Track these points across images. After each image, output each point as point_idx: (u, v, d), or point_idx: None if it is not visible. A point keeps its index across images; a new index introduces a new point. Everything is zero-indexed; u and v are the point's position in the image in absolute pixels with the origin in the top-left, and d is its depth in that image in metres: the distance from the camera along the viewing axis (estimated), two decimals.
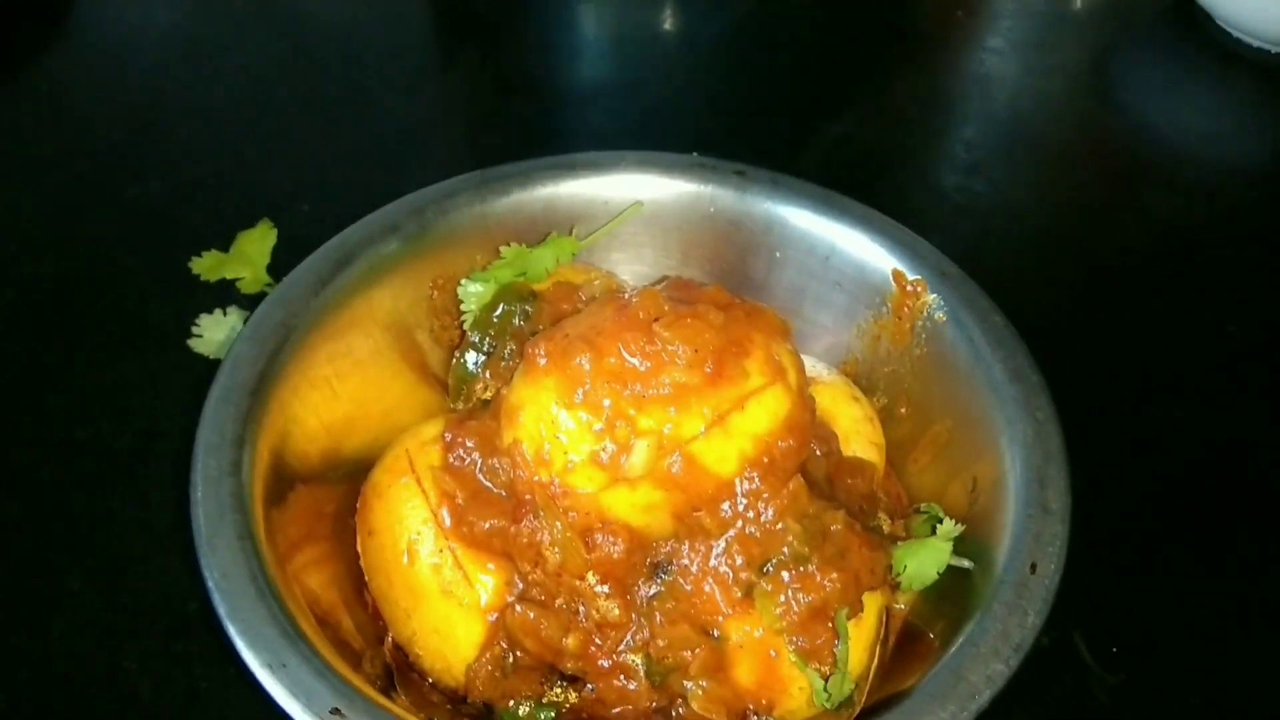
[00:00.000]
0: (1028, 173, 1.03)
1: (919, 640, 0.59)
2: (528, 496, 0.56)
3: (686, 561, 0.56)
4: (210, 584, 0.52)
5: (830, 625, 0.54)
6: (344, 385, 0.68)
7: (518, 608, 0.56)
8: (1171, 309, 0.90)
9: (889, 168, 1.02)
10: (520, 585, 0.57)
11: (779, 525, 0.55)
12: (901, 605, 0.61)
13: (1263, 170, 1.07)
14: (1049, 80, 1.14)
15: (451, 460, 0.60)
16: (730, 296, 0.61)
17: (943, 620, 0.58)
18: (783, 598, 0.55)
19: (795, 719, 0.56)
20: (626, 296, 0.58)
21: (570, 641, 0.55)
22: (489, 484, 0.59)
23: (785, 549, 0.55)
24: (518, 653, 0.57)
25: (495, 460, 0.59)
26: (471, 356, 0.67)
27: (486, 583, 0.58)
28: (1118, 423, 0.81)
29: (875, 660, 0.56)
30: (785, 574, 0.55)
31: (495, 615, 0.57)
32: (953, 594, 0.59)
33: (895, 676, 0.58)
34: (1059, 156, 1.05)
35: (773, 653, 0.55)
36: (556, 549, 0.55)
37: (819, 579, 0.54)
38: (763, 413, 0.55)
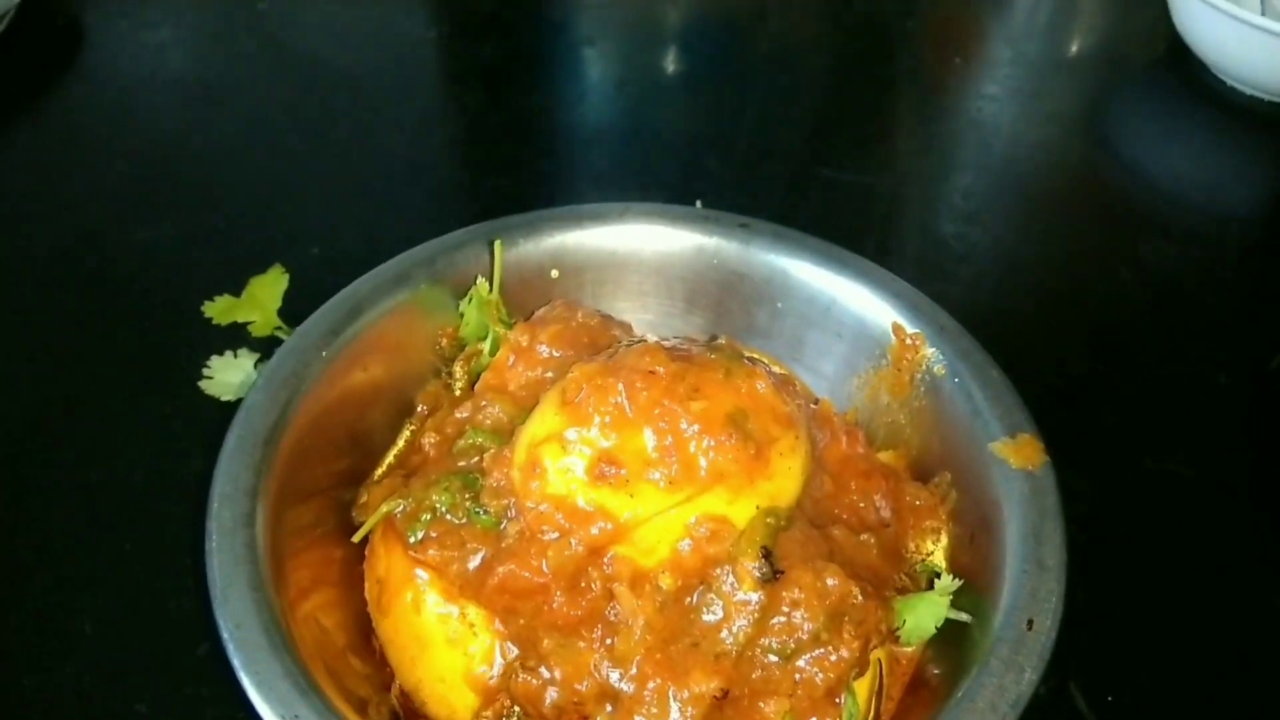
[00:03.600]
0: (1024, 220, 1.05)
1: (929, 685, 0.60)
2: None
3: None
4: (225, 635, 0.53)
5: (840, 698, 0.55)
6: (351, 431, 0.70)
7: (520, 675, 0.57)
8: (1165, 359, 0.92)
9: (888, 215, 1.03)
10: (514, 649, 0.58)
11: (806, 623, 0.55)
12: (909, 650, 0.62)
13: (1256, 218, 1.08)
14: (1045, 128, 1.16)
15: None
16: (739, 355, 0.63)
17: (945, 669, 0.59)
18: (798, 677, 0.55)
19: None
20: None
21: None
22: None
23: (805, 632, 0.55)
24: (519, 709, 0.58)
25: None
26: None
27: (488, 642, 0.59)
28: (1112, 472, 0.82)
29: (872, 709, 0.57)
30: (803, 657, 0.55)
31: (497, 673, 0.58)
32: (953, 643, 0.60)
33: None
34: (1055, 204, 1.07)
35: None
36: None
37: (837, 656, 0.55)
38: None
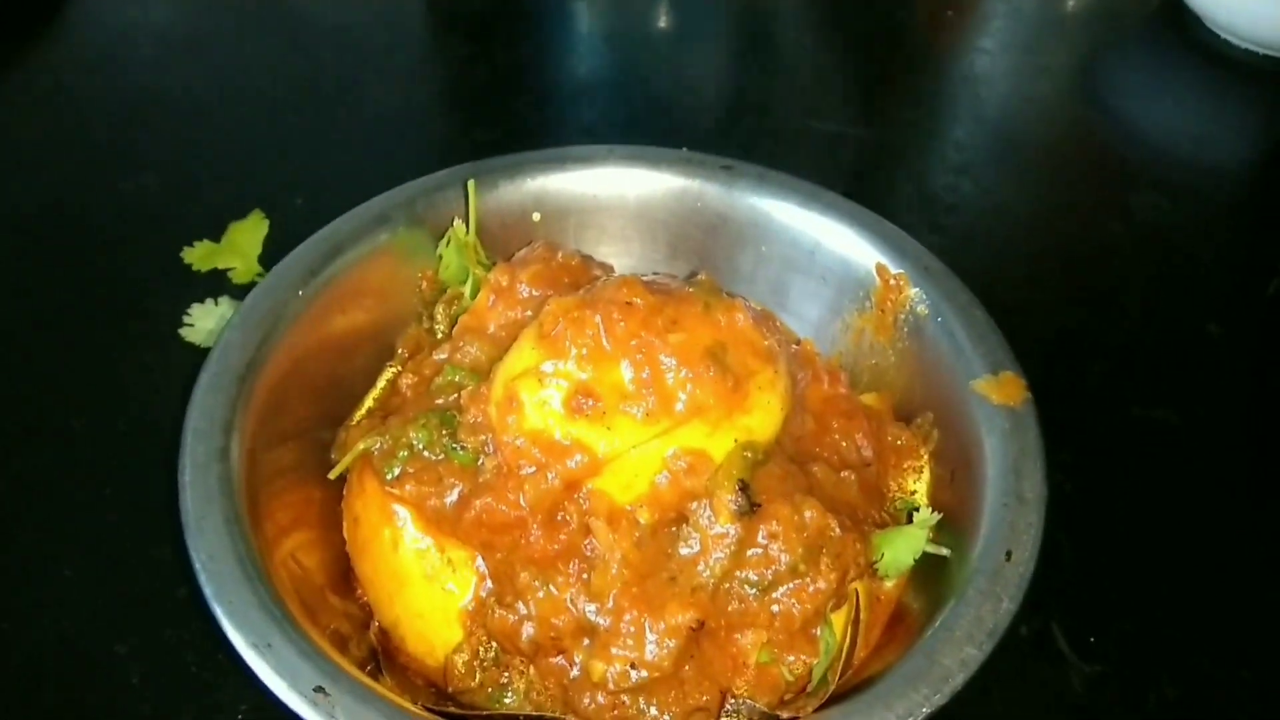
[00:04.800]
0: (1015, 173, 1.04)
1: (908, 620, 0.60)
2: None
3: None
4: (198, 565, 0.53)
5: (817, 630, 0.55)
6: (331, 374, 0.69)
7: (496, 611, 0.57)
8: (1154, 308, 0.91)
9: (878, 167, 1.03)
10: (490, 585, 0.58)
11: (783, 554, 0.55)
12: (889, 585, 0.62)
13: (1248, 171, 1.08)
14: (1037, 81, 1.15)
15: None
16: (718, 289, 0.62)
17: (926, 604, 0.59)
18: (776, 609, 0.55)
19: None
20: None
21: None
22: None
23: (782, 564, 0.55)
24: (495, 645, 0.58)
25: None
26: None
27: (466, 577, 0.59)
28: (1099, 420, 0.82)
29: (849, 640, 0.57)
30: (780, 589, 0.55)
31: (474, 604, 0.58)
32: (934, 579, 0.60)
33: (885, 655, 0.59)
34: (1046, 157, 1.06)
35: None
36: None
37: (814, 587, 0.55)
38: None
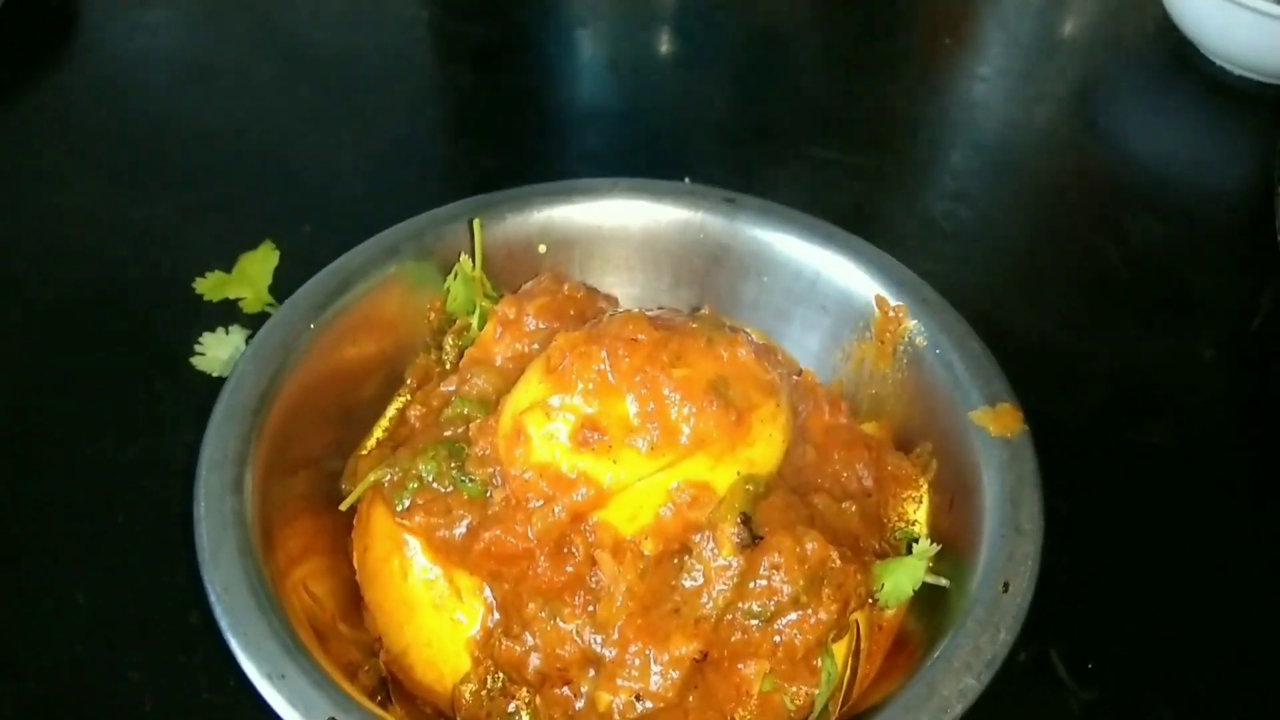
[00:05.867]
0: (1012, 200, 1.06)
1: (909, 648, 0.61)
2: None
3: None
4: (213, 597, 0.54)
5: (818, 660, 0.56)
6: (342, 404, 0.71)
7: (503, 642, 0.58)
8: (1150, 335, 0.92)
9: (878, 193, 1.04)
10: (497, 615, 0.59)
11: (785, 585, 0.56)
12: (889, 614, 0.63)
13: (1243, 197, 1.09)
14: (1035, 108, 1.16)
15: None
16: (721, 324, 0.64)
17: (926, 633, 0.60)
18: (778, 639, 0.56)
19: None
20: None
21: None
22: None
23: (784, 595, 0.56)
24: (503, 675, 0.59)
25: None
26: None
27: (474, 607, 0.60)
28: (1095, 444, 0.83)
29: (849, 670, 0.58)
30: (782, 619, 0.56)
31: (481, 634, 0.59)
32: (934, 607, 0.61)
33: (885, 685, 0.60)
34: (1043, 184, 1.08)
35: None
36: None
37: (816, 618, 0.56)
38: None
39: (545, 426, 0.57)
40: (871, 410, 0.74)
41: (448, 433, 0.64)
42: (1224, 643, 0.73)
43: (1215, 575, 0.76)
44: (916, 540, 0.62)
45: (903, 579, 0.60)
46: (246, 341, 0.81)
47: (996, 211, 1.04)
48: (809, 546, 0.56)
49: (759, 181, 1.05)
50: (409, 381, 0.73)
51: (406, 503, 0.61)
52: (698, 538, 0.57)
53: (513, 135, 1.08)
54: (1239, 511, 0.81)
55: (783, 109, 1.14)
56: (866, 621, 0.60)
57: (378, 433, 0.72)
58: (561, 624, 0.57)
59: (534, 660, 0.57)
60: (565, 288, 0.71)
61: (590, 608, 0.57)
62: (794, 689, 0.56)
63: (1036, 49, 1.24)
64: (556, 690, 0.57)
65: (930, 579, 0.60)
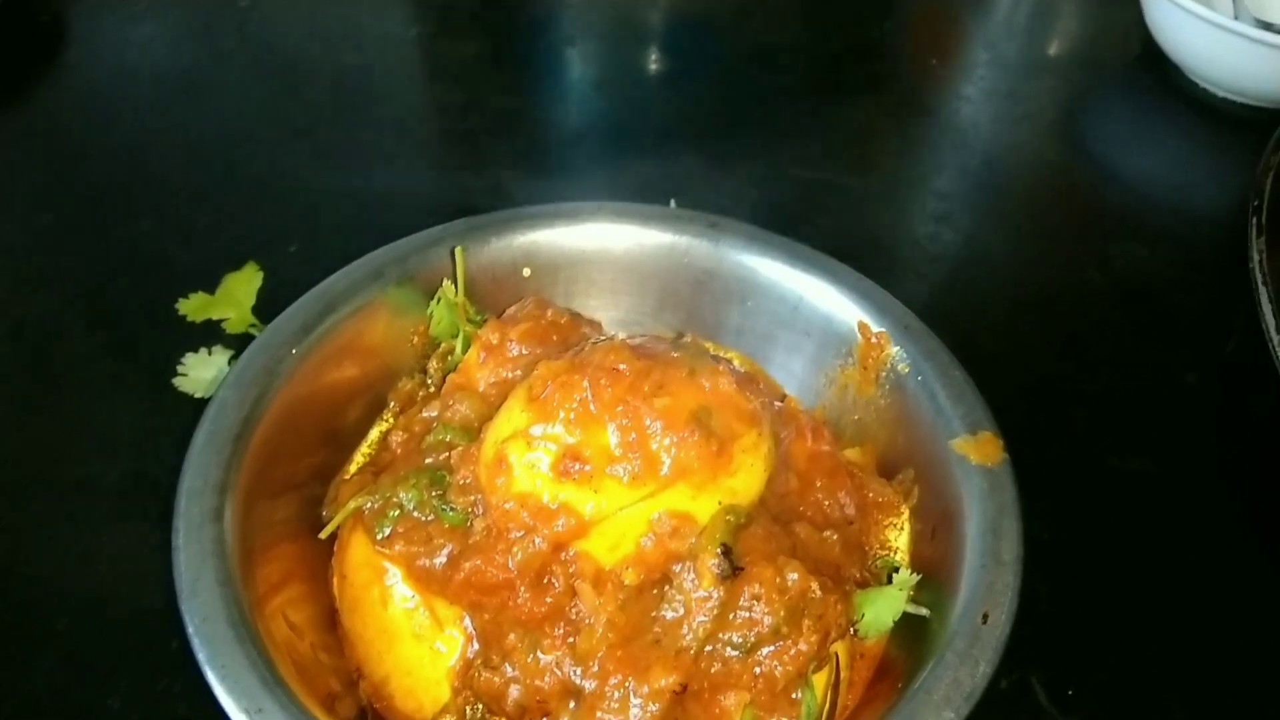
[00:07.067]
0: (997, 221, 1.06)
1: (891, 676, 0.61)
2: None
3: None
4: (191, 629, 0.54)
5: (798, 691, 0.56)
6: (325, 428, 0.70)
7: (482, 673, 0.58)
8: (1132, 357, 0.93)
9: (862, 215, 1.04)
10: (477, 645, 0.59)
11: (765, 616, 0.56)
12: (870, 643, 0.63)
13: (1226, 219, 1.09)
14: (1020, 129, 1.17)
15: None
16: (704, 353, 0.64)
17: (908, 663, 0.60)
18: (758, 670, 0.56)
19: None
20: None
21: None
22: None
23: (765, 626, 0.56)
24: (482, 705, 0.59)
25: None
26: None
27: (454, 636, 0.60)
28: (1077, 469, 0.83)
29: (828, 701, 0.58)
30: (762, 650, 0.56)
31: (461, 664, 0.59)
32: (915, 635, 0.61)
33: (866, 714, 0.60)
34: (1028, 205, 1.08)
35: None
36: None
37: (796, 649, 0.56)
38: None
39: (527, 456, 0.57)
40: (855, 436, 0.74)
41: (429, 459, 0.64)
42: (1205, 669, 0.73)
43: (1197, 602, 0.77)
44: (897, 569, 0.62)
45: (883, 609, 0.60)
46: (229, 362, 0.81)
47: (981, 234, 1.04)
48: (790, 577, 0.56)
49: (744, 202, 1.05)
50: (392, 405, 0.73)
51: (387, 531, 0.61)
52: (678, 568, 0.57)
53: (500, 155, 1.08)
54: (1221, 538, 0.81)
55: (768, 130, 1.14)
56: (847, 651, 0.60)
57: (359, 458, 0.72)
58: (541, 655, 0.57)
59: (514, 692, 0.57)
60: (549, 313, 0.71)
61: (570, 639, 0.57)
62: None
63: (1022, 70, 1.25)
64: None
65: (911, 609, 0.60)
